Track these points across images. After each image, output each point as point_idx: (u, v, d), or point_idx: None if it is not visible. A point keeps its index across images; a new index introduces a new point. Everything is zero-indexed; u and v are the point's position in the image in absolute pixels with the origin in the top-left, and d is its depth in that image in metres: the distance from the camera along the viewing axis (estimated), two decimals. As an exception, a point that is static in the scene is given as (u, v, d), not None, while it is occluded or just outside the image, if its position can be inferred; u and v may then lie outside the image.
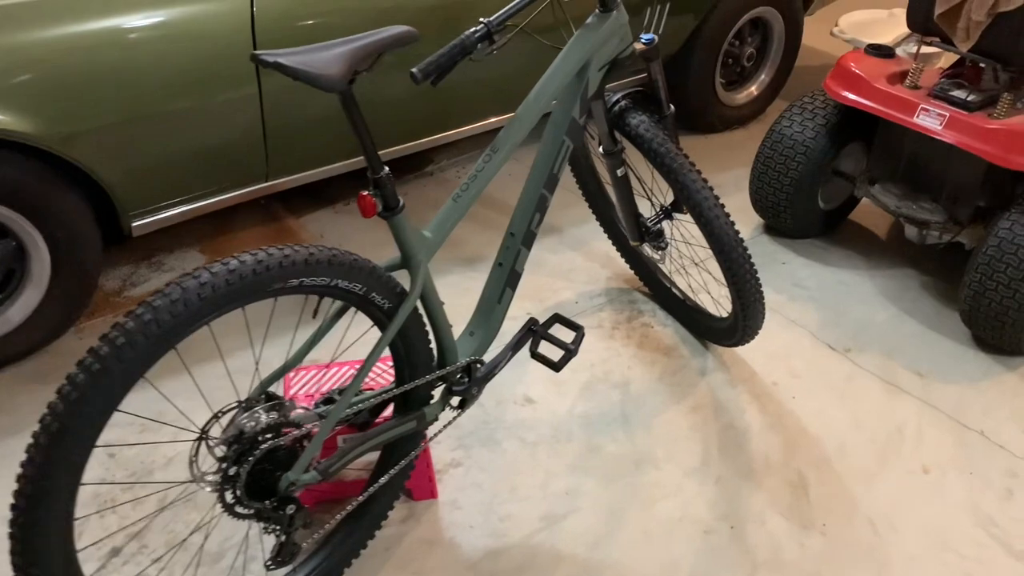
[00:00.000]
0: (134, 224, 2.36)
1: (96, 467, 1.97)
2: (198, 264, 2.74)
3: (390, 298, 1.53)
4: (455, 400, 1.79)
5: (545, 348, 1.85)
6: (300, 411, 1.54)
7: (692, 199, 1.94)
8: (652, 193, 2.28)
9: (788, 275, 2.76)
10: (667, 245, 2.26)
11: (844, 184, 2.84)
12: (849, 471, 2.06)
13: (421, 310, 1.65)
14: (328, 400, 1.64)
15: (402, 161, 3.24)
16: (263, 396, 1.52)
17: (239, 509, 1.45)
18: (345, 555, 1.73)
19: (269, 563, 1.53)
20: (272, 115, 2.37)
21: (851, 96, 2.52)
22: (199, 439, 1.44)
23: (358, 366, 1.92)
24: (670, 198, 2.17)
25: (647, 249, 2.46)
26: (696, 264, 2.66)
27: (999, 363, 2.41)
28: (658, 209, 2.23)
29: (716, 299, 2.48)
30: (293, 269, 1.36)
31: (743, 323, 2.14)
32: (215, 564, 1.76)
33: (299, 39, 2.31)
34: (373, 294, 1.50)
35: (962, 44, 2.33)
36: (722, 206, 1.97)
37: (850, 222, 3.04)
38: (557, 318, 1.87)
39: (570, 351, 1.82)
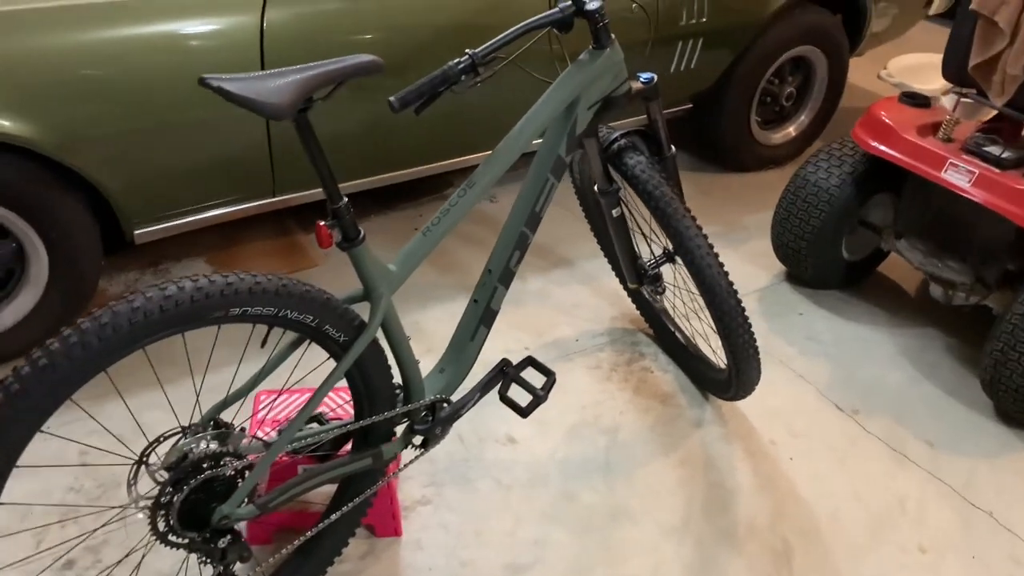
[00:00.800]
0: (136, 232, 2.37)
1: (66, 475, 1.96)
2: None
3: (346, 331, 1.48)
4: (419, 439, 1.73)
5: (516, 391, 1.78)
6: (246, 441, 1.49)
7: (684, 246, 1.85)
8: (652, 236, 2.20)
9: (803, 327, 2.64)
10: (664, 290, 2.18)
11: (871, 235, 2.71)
12: (839, 543, 1.94)
13: (385, 344, 1.60)
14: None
15: (420, 183, 3.21)
16: (211, 423, 1.48)
17: (171, 538, 1.41)
18: (294, 589, 1.68)
19: (207, 595, 1.49)
20: (278, 130, 2.36)
21: (878, 146, 2.41)
22: (137, 463, 1.41)
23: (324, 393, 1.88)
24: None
25: (645, 293, 2.38)
26: (696, 312, 2.56)
27: (1020, 439, 2.26)
28: (659, 253, 2.15)
29: (715, 349, 2.38)
30: (236, 298, 1.32)
31: (736, 378, 2.04)
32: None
33: (308, 56, 2.29)
34: (327, 327, 1.45)
35: (997, 98, 2.20)
36: (716, 255, 1.88)
37: (877, 275, 2.90)
38: (530, 361, 1.80)
39: (539, 397, 1.75)
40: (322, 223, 1.41)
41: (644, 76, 1.80)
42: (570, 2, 1.62)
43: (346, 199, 1.42)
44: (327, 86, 1.30)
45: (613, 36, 1.68)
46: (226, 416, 2.05)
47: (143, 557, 1.68)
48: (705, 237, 1.88)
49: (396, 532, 1.89)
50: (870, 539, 1.96)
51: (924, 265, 2.47)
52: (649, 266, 2.13)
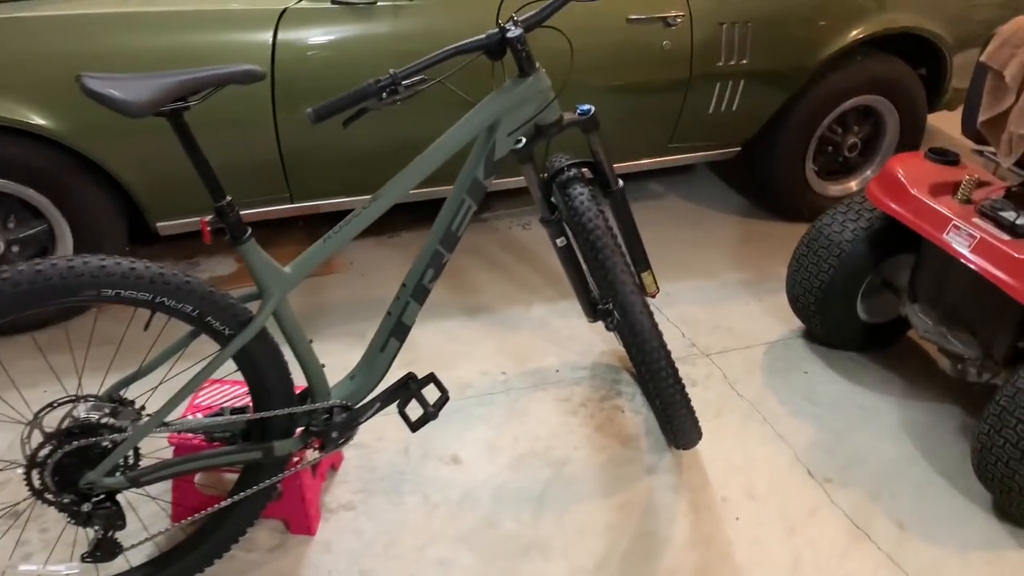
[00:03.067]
0: (159, 224, 2.57)
1: None
2: (229, 270, 2.93)
3: (231, 325, 1.55)
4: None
5: (414, 406, 1.79)
6: (138, 419, 1.59)
7: (608, 280, 1.81)
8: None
9: (804, 386, 2.49)
10: (615, 325, 2.12)
11: (895, 298, 2.53)
12: (757, 614, 1.82)
13: (288, 345, 1.67)
14: (217, 415, 1.71)
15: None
16: (109, 397, 1.60)
17: (47, 496, 1.53)
18: (185, 568, 1.76)
19: (86, 555, 1.60)
20: (288, 140, 2.49)
21: (887, 202, 2.25)
22: (29, 424, 1.54)
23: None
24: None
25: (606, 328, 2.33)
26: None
27: (1012, 536, 2.03)
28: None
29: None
30: (108, 280, 1.42)
31: (669, 426, 1.96)
32: (54, 539, 1.85)
33: (318, 75, 2.42)
34: (209, 318, 1.53)
35: (1004, 158, 2.02)
36: (640, 296, 1.82)
37: (909, 343, 2.70)
38: (432, 378, 1.81)
39: (428, 414, 1.76)
40: (205, 219, 1.50)
41: (582, 108, 1.79)
42: (497, 30, 1.65)
43: (229, 199, 1.51)
44: (198, 91, 1.39)
45: (538, 65, 1.69)
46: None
47: (30, 512, 1.80)
48: (632, 275, 1.82)
49: (309, 531, 1.94)
50: (793, 615, 1.82)
51: (930, 334, 2.28)
52: (602, 300, 2.09)
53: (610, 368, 2.52)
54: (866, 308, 2.55)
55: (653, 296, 2.13)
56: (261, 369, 1.63)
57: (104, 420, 1.54)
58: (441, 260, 1.75)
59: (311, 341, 1.72)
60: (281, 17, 2.37)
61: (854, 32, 2.98)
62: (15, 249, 2.45)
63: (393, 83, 1.56)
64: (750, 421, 2.35)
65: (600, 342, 2.63)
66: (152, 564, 1.75)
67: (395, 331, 1.78)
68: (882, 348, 2.65)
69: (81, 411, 1.54)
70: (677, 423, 1.93)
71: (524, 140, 1.76)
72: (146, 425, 1.54)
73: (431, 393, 1.81)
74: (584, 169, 1.91)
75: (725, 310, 2.83)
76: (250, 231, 1.54)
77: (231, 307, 1.55)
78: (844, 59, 3.04)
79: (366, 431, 2.23)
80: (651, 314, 1.83)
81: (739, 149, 3.23)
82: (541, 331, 2.68)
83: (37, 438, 1.53)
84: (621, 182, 1.92)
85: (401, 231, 3.18)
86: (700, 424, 2.08)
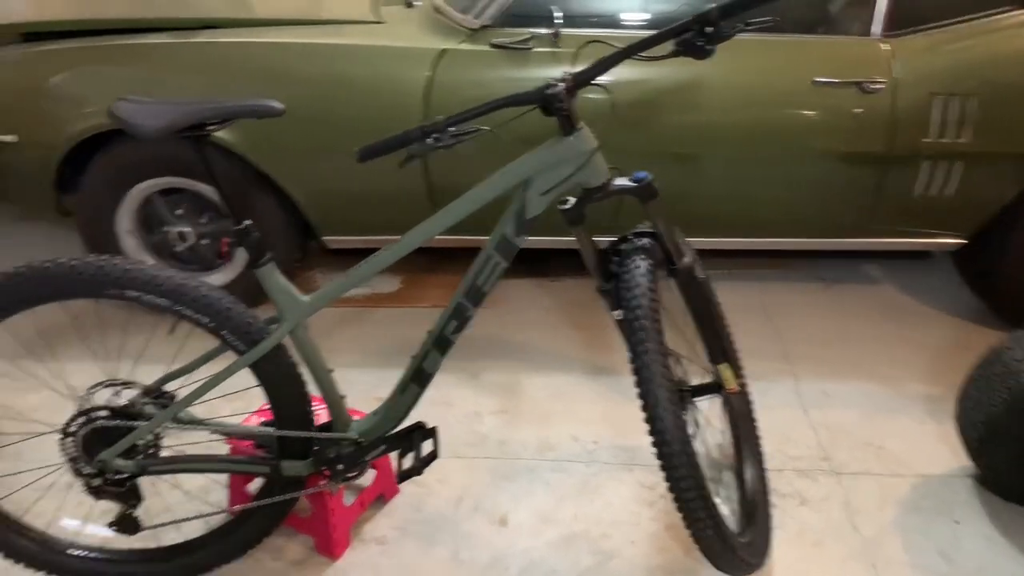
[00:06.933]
0: (325, 238, 2.78)
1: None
2: (392, 289, 3.09)
3: (244, 342, 1.64)
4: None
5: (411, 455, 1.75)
6: (160, 411, 1.73)
7: (635, 365, 1.60)
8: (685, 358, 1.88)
9: (946, 537, 2.04)
10: (696, 426, 1.87)
11: (1096, 455, 1.99)
12: None
13: (309, 373, 1.73)
14: (267, 424, 1.83)
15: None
16: (154, 387, 1.76)
17: (76, 464, 1.72)
18: (204, 560, 1.87)
19: (110, 524, 1.78)
20: (436, 175, 2.57)
21: (1071, 331, 1.78)
22: (80, 398, 1.74)
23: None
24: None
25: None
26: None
27: None
28: (704, 380, 1.87)
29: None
30: (131, 282, 1.57)
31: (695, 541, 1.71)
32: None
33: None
34: (225, 332, 1.63)
35: None
36: (673, 396, 1.58)
37: (1120, 514, 2.10)
38: (433, 432, 1.75)
39: (414, 468, 1.70)
40: (225, 239, 1.60)
41: (638, 175, 1.64)
42: (545, 87, 1.56)
43: (248, 222, 1.59)
44: (216, 119, 1.48)
45: (582, 125, 1.57)
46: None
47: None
48: (668, 371, 1.59)
49: (331, 554, 1.98)
50: None
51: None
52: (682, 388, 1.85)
53: (717, 465, 2.26)
54: (1054, 460, 2.03)
55: (732, 393, 1.90)
56: (275, 389, 1.70)
57: (132, 408, 1.70)
58: (465, 313, 1.69)
59: (331, 371, 1.75)
60: (441, 57, 2.46)
61: None
62: (204, 242, 2.78)
63: (437, 129, 1.55)
64: (853, 562, 1.97)
65: (719, 434, 2.37)
66: (176, 548, 1.88)
67: (415, 377, 1.75)
68: (1077, 515, 2.09)
69: (118, 396, 1.71)
70: (700, 543, 1.68)
71: (571, 201, 1.65)
72: (157, 418, 1.67)
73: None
74: (651, 241, 1.73)
75: (887, 425, 2.41)
76: (269, 256, 1.61)
77: (247, 325, 1.64)
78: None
79: (431, 472, 2.22)
80: (680, 413, 1.60)
81: (965, 241, 2.73)
82: (659, 406, 2.48)
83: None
84: (687, 258, 1.72)
85: (565, 276, 3.12)
86: (750, 557, 1.80)
